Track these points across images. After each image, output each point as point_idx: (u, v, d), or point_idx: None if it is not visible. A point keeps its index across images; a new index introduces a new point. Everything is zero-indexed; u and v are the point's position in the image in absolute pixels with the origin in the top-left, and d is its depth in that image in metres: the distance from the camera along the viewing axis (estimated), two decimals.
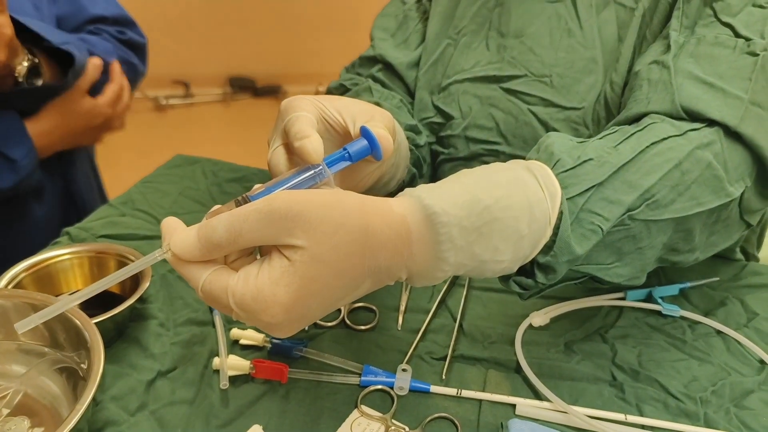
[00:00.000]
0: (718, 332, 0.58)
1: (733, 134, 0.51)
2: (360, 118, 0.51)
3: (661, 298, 0.61)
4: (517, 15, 0.72)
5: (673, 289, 0.62)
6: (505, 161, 0.71)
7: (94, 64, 0.82)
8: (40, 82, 0.77)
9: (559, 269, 0.44)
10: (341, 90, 0.80)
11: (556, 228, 0.43)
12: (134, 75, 0.95)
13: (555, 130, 0.69)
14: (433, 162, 0.78)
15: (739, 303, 0.61)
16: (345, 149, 0.46)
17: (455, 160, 0.76)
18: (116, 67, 0.85)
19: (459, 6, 0.76)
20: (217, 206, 0.41)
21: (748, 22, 0.55)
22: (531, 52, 0.71)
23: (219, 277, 0.38)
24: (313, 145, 0.44)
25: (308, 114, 0.48)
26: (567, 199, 0.44)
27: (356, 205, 0.39)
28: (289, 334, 0.39)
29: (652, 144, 0.48)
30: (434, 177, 0.80)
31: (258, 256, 0.41)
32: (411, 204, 0.41)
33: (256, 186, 0.43)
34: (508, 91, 0.71)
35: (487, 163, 0.72)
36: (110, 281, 0.40)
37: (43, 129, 0.80)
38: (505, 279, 0.47)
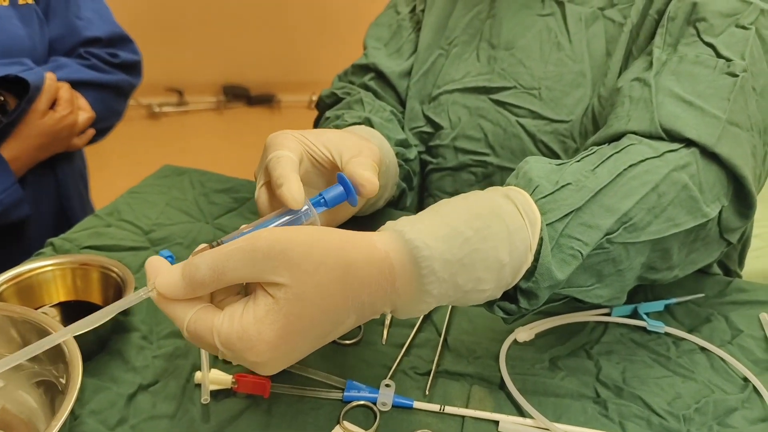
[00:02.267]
0: (703, 349, 0.58)
1: (709, 154, 0.52)
2: (347, 153, 0.52)
3: (646, 314, 0.61)
4: (509, 28, 0.72)
5: (658, 305, 0.62)
6: (492, 172, 0.72)
7: (50, 79, 0.82)
8: (4, 120, 0.79)
9: (541, 294, 0.44)
10: (333, 99, 0.81)
11: (537, 254, 0.43)
12: (117, 94, 0.96)
13: (543, 142, 0.69)
14: (422, 172, 0.79)
15: (723, 320, 0.61)
16: (321, 195, 0.47)
17: (443, 170, 0.76)
18: (49, 77, 0.85)
19: (451, 17, 0.77)
20: (202, 245, 0.42)
21: (730, 43, 0.56)
22: (521, 65, 0.71)
23: (204, 316, 0.38)
24: (292, 193, 0.45)
25: (290, 154, 0.49)
26: (546, 224, 0.44)
27: (337, 242, 0.39)
28: (275, 371, 0.39)
29: (630, 167, 0.49)
30: (422, 186, 0.80)
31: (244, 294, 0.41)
32: (393, 239, 0.41)
33: (243, 226, 0.44)
34: (497, 102, 0.72)
35: (474, 173, 0.74)
36: (93, 321, 0.39)
37: (11, 155, 0.82)
38: (489, 305, 0.47)
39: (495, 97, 0.72)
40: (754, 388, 0.54)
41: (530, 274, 0.44)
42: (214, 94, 3.29)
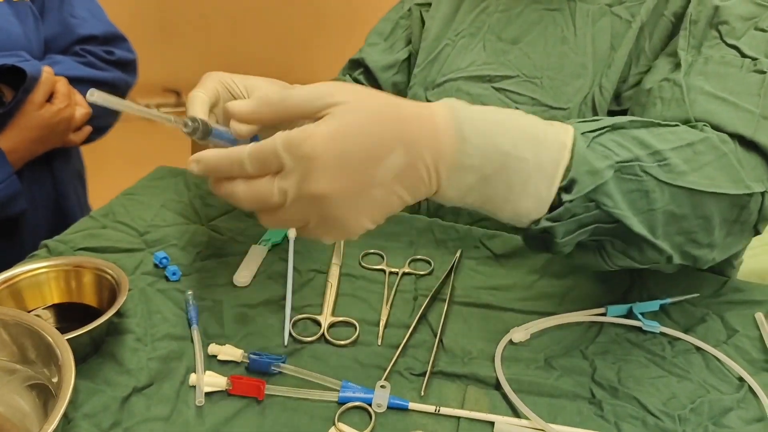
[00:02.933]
0: (698, 349, 0.58)
1: (748, 143, 0.53)
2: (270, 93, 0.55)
3: (642, 314, 0.61)
4: (518, 24, 0.77)
5: (653, 305, 0.62)
6: None
7: (47, 72, 0.82)
8: (1, 110, 0.79)
9: (581, 180, 0.45)
10: None
11: (572, 151, 0.46)
12: (114, 92, 0.96)
13: None
14: None
15: (719, 319, 0.61)
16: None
17: None
18: (47, 71, 0.85)
19: (459, 11, 0.82)
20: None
21: (752, 44, 0.58)
22: (526, 57, 0.75)
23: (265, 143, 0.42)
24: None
25: (203, 94, 0.56)
26: (580, 133, 0.47)
27: (388, 95, 0.46)
28: (329, 180, 0.41)
29: (666, 127, 0.51)
30: None
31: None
32: (440, 104, 0.45)
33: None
34: (499, 90, 0.75)
35: None
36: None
37: (8, 146, 0.81)
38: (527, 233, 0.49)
39: (497, 84, 0.75)
40: (750, 388, 0.54)
41: (567, 171, 0.45)
42: None
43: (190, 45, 3.09)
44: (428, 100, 0.79)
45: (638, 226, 0.48)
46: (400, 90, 0.89)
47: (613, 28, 0.70)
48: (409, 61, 0.88)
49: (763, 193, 0.53)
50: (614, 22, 0.70)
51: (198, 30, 3.08)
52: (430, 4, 0.85)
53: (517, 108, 0.71)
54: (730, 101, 0.55)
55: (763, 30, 0.58)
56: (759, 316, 0.61)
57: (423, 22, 0.85)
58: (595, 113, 0.69)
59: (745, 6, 0.60)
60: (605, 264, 0.52)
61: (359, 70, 0.89)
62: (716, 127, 0.54)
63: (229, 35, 3.12)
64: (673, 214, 0.49)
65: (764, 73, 0.56)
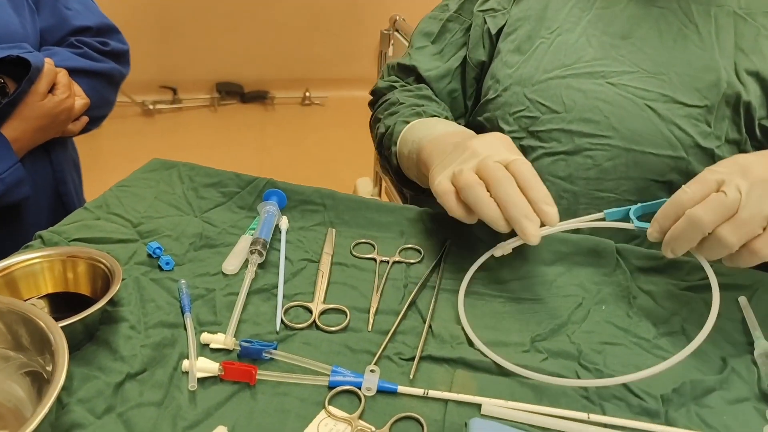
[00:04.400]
0: (683, 332, 0.59)
1: None
2: None
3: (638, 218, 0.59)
4: (623, 19, 0.76)
5: (653, 206, 0.59)
6: (617, 155, 0.75)
7: (49, 63, 0.83)
8: (5, 99, 0.80)
9: None
10: (389, 88, 0.89)
11: None
12: (109, 83, 0.97)
13: (677, 125, 0.72)
14: (525, 156, 0.79)
15: (702, 303, 0.62)
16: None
17: (556, 154, 0.77)
18: (48, 62, 0.86)
19: (549, 8, 0.81)
20: None
21: None
22: (641, 52, 0.74)
23: None
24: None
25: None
26: None
27: None
28: None
29: None
30: None
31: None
32: None
33: None
34: (617, 85, 0.74)
35: (593, 157, 0.76)
36: None
37: (12, 136, 0.82)
38: None
39: (614, 80, 0.74)
40: (732, 368, 0.55)
41: None
42: (208, 91, 3.29)
43: (186, 42, 3.09)
44: (528, 98, 0.78)
45: None
46: (455, 98, 0.88)
47: (737, 28, 0.71)
48: (464, 68, 0.87)
49: None
50: (738, 21, 0.71)
51: (194, 28, 3.08)
52: (494, 9, 0.84)
53: (647, 104, 0.72)
54: None
55: None
56: (742, 299, 0.62)
57: (488, 28, 0.83)
58: (736, 112, 0.71)
59: None
60: None
61: (411, 77, 0.89)
62: None
63: (226, 32, 3.12)
64: None
65: None
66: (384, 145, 0.83)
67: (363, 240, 0.71)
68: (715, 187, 0.51)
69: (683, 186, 0.52)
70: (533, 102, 0.77)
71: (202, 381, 0.52)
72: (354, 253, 0.69)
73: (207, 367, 0.52)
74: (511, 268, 0.68)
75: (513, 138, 0.78)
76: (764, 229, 0.50)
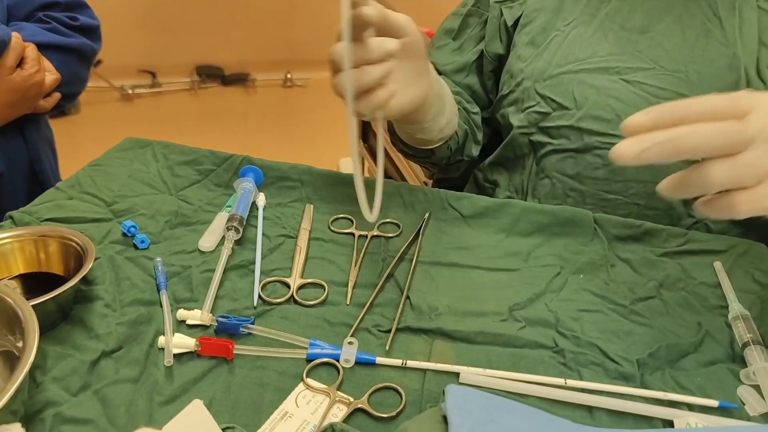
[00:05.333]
0: (659, 297, 0.60)
1: None
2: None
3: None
4: (643, 12, 0.72)
5: None
6: None
7: (16, 37, 0.81)
8: None
9: None
10: None
11: None
12: (80, 59, 0.94)
13: None
14: (534, 152, 0.78)
15: (679, 267, 0.63)
16: None
17: (565, 152, 0.75)
18: (15, 36, 0.83)
19: (566, 0, 0.78)
20: None
21: None
22: (660, 47, 0.71)
23: None
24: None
25: None
26: None
27: None
28: None
29: None
30: (539, 167, 0.78)
31: None
32: None
33: None
34: (632, 83, 0.71)
35: (602, 156, 0.73)
36: None
37: None
38: None
39: (629, 77, 0.71)
40: (707, 332, 0.55)
41: None
42: (188, 74, 3.24)
43: (165, 25, 3.04)
44: (539, 93, 0.75)
45: None
46: (475, 91, 0.86)
47: (761, 22, 0.67)
48: (481, 61, 0.84)
49: None
50: (762, 15, 0.67)
51: (173, 10, 3.03)
52: (511, 0, 0.81)
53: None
54: None
55: None
56: (717, 264, 0.63)
57: (504, 20, 0.81)
58: None
59: None
60: None
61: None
62: None
63: (205, 15, 3.07)
64: None
65: None
66: None
67: (341, 215, 0.71)
68: (739, 112, 0.42)
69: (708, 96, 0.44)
70: (544, 97, 0.75)
71: (179, 357, 0.52)
72: (332, 228, 0.69)
73: (183, 342, 0.52)
74: (489, 240, 0.68)
75: (522, 134, 0.77)
76: (754, 186, 0.42)
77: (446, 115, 0.71)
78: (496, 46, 0.82)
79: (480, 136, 0.82)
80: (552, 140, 0.75)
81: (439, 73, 0.84)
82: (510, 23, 0.81)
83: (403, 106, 0.61)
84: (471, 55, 0.84)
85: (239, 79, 3.24)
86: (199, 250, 0.64)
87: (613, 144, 0.69)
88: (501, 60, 0.83)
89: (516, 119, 0.78)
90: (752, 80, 0.67)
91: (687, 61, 0.69)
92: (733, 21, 0.68)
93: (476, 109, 0.81)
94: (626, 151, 0.42)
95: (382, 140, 0.60)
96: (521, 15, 0.80)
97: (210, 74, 3.23)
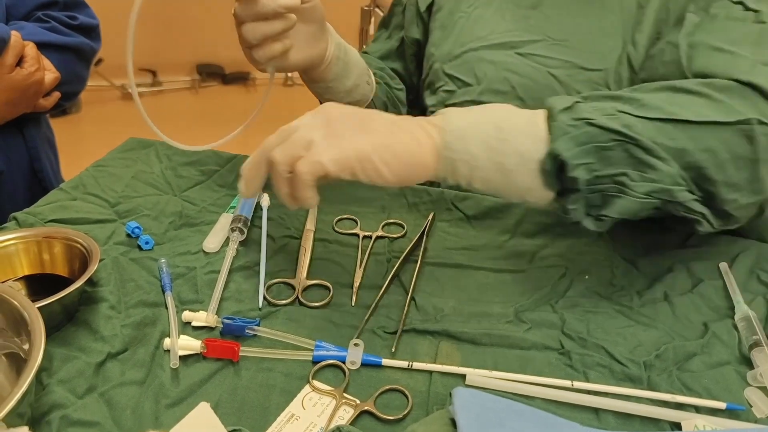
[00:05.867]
0: (665, 298, 0.59)
1: (744, 85, 0.53)
2: None
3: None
4: None
5: None
6: None
7: (15, 35, 0.81)
8: None
9: (559, 116, 0.49)
10: None
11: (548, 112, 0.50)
12: (80, 58, 0.94)
13: (577, 91, 0.72)
14: None
15: (685, 269, 0.62)
16: None
17: None
18: (14, 34, 0.83)
19: None
20: None
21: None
22: (549, 20, 0.74)
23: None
24: None
25: None
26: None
27: None
28: (329, 142, 0.49)
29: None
30: None
31: None
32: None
33: None
34: (526, 55, 0.74)
35: None
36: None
37: None
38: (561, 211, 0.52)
39: (523, 50, 0.74)
40: (714, 333, 0.55)
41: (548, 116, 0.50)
42: (189, 73, 3.24)
43: (166, 24, 3.04)
44: (446, 73, 0.79)
45: (642, 133, 0.49)
46: (400, 75, 0.91)
47: None
48: (403, 47, 0.89)
49: None
50: None
51: (174, 9, 3.02)
52: None
53: (549, 71, 0.72)
54: (727, 50, 0.56)
55: None
56: (723, 265, 0.63)
57: (417, 7, 0.85)
58: (632, 71, 0.68)
59: None
60: (631, 201, 0.50)
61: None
62: (712, 77, 0.54)
63: (206, 13, 3.07)
64: (668, 147, 0.49)
65: (764, 23, 0.58)
66: None
67: (345, 216, 0.71)
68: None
69: None
70: (451, 77, 0.79)
71: (184, 359, 0.51)
72: (336, 228, 0.69)
73: (189, 344, 0.52)
74: (493, 240, 0.68)
75: (433, 113, 0.79)
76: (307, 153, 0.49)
77: (351, 79, 0.76)
78: (413, 32, 0.87)
79: (404, 111, 0.87)
80: None
81: (368, 60, 0.88)
82: (422, 9, 0.85)
83: (296, 61, 0.68)
84: (395, 42, 0.89)
85: (240, 78, 3.24)
86: (204, 251, 0.64)
87: None
88: (420, 45, 0.88)
89: (430, 100, 0.82)
90: (638, 42, 0.68)
91: (572, 31, 0.73)
92: None
93: (401, 86, 0.87)
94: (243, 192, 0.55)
95: (270, 89, 0.71)
96: (433, 1, 0.84)
97: (211, 73, 3.23)
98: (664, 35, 0.67)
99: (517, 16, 0.76)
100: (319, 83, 0.76)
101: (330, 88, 0.76)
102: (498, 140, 0.50)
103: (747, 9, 0.59)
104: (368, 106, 0.82)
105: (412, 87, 0.92)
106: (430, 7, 0.85)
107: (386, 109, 0.85)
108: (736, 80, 0.53)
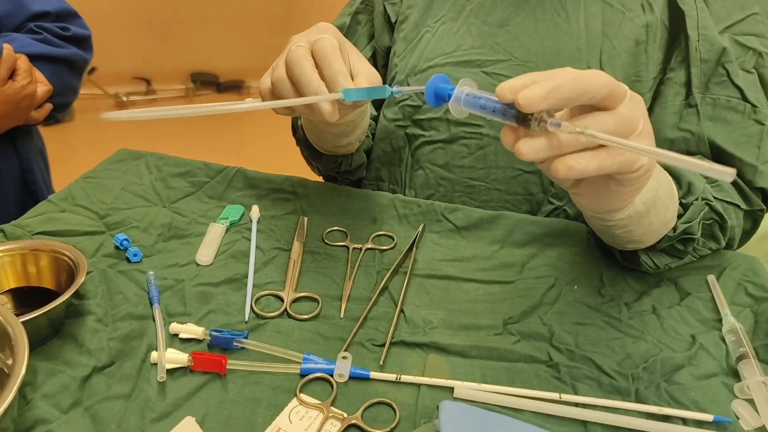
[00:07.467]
0: (654, 310, 0.59)
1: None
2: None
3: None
4: (502, 7, 0.76)
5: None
6: (487, 143, 0.76)
7: (8, 48, 0.81)
8: None
9: (694, 184, 0.60)
10: None
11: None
12: (72, 69, 0.94)
13: None
14: (409, 144, 0.81)
15: (672, 285, 0.63)
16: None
17: (435, 143, 0.78)
18: (7, 47, 0.83)
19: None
20: None
21: (747, 85, 0.65)
22: (516, 40, 0.74)
23: None
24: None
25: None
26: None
27: None
28: None
29: None
30: (413, 158, 0.81)
31: None
32: None
33: None
34: (491, 74, 0.74)
35: (468, 146, 0.77)
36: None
37: None
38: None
39: (488, 69, 0.74)
40: (701, 345, 0.55)
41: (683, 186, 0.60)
42: (183, 81, 3.24)
43: (160, 32, 3.04)
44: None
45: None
46: None
47: (605, 15, 0.70)
48: (375, 59, 0.86)
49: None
50: (605, 9, 0.71)
51: (168, 17, 3.03)
52: None
53: None
54: (736, 157, 0.64)
55: (747, 71, 0.65)
56: (711, 278, 0.63)
57: (387, 16, 0.83)
58: None
59: (733, 48, 0.65)
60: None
61: None
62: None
63: (199, 22, 3.07)
64: None
65: (762, 124, 0.64)
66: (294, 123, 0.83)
67: (335, 228, 0.71)
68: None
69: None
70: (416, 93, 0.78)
71: (171, 372, 0.51)
72: (326, 240, 0.69)
73: (176, 357, 0.51)
74: (483, 251, 0.68)
75: (399, 126, 0.80)
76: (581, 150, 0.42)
77: (348, 138, 0.72)
78: (384, 40, 0.85)
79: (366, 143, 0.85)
80: (424, 132, 0.78)
81: None
82: (393, 20, 0.83)
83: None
84: (365, 52, 0.86)
85: (234, 86, 3.24)
86: (196, 263, 0.63)
87: (475, 133, 0.75)
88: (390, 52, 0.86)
89: (391, 112, 0.80)
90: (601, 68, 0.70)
91: (537, 53, 0.73)
92: (579, 15, 0.72)
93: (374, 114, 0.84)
94: (534, 93, 0.40)
95: None
96: (400, 12, 0.83)
97: (205, 81, 3.23)
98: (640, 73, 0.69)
99: (484, 34, 0.76)
100: (315, 127, 0.71)
101: (322, 131, 0.71)
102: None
103: (745, 99, 0.65)
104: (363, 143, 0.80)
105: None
106: (397, 18, 0.83)
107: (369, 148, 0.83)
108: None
